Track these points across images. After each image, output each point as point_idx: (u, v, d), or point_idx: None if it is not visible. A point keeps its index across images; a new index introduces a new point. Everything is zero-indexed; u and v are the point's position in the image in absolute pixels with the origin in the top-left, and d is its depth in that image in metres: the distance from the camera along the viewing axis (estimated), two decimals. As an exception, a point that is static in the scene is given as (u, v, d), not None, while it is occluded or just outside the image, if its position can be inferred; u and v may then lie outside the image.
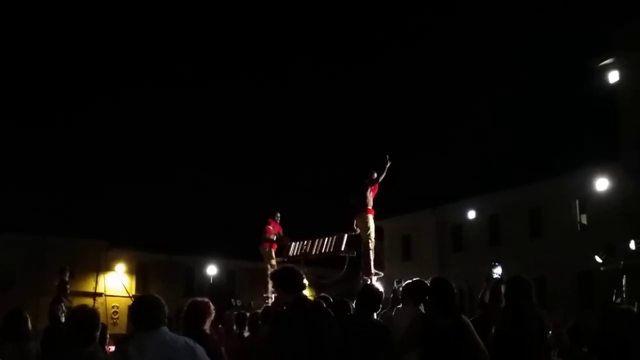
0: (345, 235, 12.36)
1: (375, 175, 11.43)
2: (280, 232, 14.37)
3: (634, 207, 22.87)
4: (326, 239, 13.17)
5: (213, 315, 5.23)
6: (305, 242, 13.88)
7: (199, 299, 5.29)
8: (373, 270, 11.40)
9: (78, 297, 32.20)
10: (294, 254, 13.97)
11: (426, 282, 5.94)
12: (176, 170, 67.56)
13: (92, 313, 4.49)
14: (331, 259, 13.52)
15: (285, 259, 13.75)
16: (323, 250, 13.17)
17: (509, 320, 5.27)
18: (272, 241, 14.07)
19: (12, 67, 60.38)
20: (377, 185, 11.40)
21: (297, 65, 71.90)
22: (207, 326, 5.13)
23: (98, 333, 4.44)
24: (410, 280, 6.53)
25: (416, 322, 5.09)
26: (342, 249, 12.44)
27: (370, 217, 11.45)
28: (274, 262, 13.85)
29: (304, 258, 13.63)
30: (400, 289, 6.56)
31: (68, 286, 10.23)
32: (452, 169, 59.21)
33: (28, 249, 34.36)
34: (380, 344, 5.58)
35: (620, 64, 24.22)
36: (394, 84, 67.12)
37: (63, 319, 8.97)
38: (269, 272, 12.80)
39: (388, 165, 11.32)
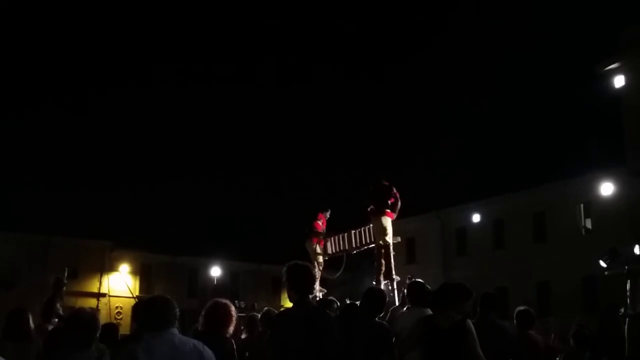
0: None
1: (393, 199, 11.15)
2: (324, 230, 13.42)
3: (638, 212, 22.80)
4: (362, 229, 12.44)
5: (235, 318, 5.02)
6: (340, 236, 13.20)
7: (221, 300, 5.07)
8: (394, 275, 11.07)
9: (82, 297, 32.46)
10: (334, 250, 13.33)
11: (428, 285, 6.02)
12: (181, 171, 67.75)
13: (93, 315, 4.54)
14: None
15: (327, 257, 13.26)
16: (364, 242, 12.43)
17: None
18: (320, 237, 13.18)
19: (19, 66, 60.72)
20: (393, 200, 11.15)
21: (315, 70, 72.06)
22: (229, 330, 4.96)
23: (98, 334, 4.49)
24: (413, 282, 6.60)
25: (419, 324, 5.11)
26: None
27: (389, 220, 11.24)
28: (320, 259, 13.07)
29: (345, 253, 13.12)
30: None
31: (64, 287, 10.06)
32: (456, 172, 59.18)
33: (31, 249, 34.39)
34: (384, 345, 5.60)
35: (626, 69, 24.17)
36: (400, 88, 67.23)
37: (56, 320, 8.94)
38: (314, 270, 11.66)
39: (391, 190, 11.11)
